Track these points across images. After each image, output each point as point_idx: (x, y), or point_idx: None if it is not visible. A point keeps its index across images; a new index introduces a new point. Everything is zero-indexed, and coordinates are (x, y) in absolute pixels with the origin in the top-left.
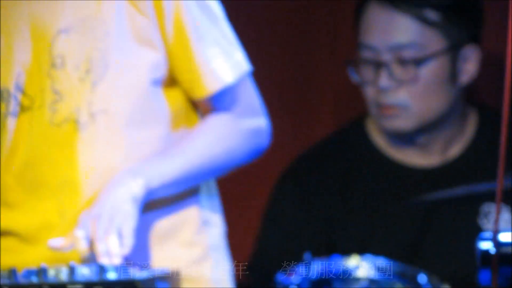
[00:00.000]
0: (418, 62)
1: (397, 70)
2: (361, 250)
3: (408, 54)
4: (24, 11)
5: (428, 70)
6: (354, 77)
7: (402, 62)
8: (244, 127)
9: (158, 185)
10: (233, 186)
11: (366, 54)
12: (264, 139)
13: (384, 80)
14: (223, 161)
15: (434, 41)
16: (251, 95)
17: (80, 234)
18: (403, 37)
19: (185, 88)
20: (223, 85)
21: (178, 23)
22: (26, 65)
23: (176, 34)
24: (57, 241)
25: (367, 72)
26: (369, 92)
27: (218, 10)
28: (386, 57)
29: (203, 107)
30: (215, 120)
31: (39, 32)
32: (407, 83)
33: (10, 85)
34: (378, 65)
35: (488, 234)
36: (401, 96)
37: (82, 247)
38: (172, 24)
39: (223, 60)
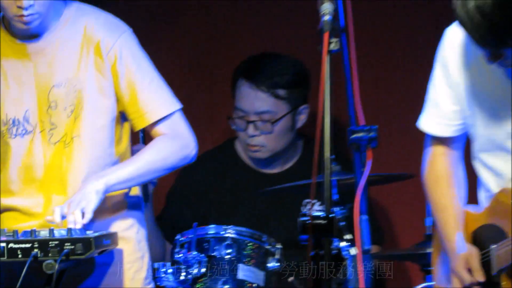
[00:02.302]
0: (273, 122)
1: (260, 125)
2: (227, 223)
3: (266, 117)
4: (30, 71)
5: (279, 126)
6: (232, 127)
7: (263, 121)
8: (175, 144)
9: (114, 183)
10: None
11: (240, 114)
12: (190, 152)
13: (251, 130)
14: (161, 166)
15: (282, 108)
16: (181, 124)
17: (57, 210)
18: (263, 107)
19: (133, 122)
20: (157, 118)
21: (129, 82)
22: (32, 106)
23: (128, 89)
24: (50, 217)
25: (241, 125)
26: (241, 136)
27: (152, 69)
28: (253, 117)
29: (151, 132)
30: (156, 140)
31: (41, 86)
32: (266, 133)
33: (20, 116)
34: (248, 122)
35: (306, 212)
36: (261, 140)
37: (58, 218)
38: (125, 83)
39: (159, 103)
